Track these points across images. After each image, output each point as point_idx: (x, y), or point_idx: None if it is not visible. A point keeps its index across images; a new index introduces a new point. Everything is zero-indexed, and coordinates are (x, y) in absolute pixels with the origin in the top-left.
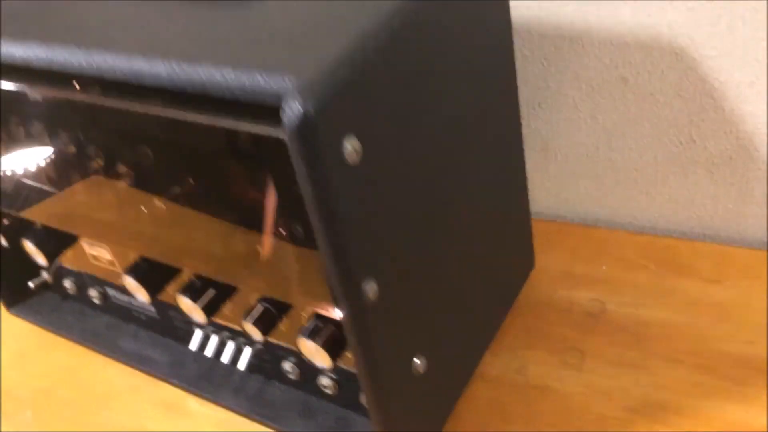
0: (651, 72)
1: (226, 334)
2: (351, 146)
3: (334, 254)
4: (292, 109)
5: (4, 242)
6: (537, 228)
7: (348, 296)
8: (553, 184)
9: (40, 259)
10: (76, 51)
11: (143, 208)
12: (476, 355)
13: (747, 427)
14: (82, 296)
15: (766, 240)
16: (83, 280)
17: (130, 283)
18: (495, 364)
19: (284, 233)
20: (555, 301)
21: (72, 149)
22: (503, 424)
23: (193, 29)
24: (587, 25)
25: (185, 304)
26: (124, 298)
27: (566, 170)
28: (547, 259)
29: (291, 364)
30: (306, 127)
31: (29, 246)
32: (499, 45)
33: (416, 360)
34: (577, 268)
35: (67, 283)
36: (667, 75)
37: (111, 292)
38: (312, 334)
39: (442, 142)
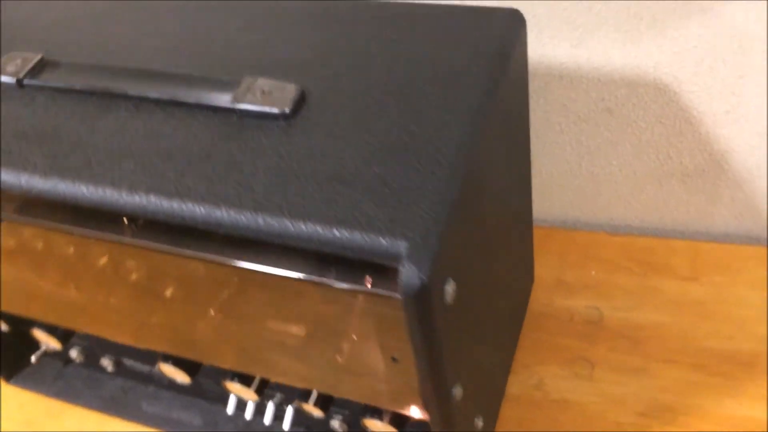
0: (635, 104)
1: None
2: (450, 288)
3: (432, 374)
4: (409, 276)
5: (4, 327)
6: None
7: (441, 403)
8: (537, 193)
9: (53, 344)
10: (144, 197)
11: (200, 322)
12: (505, 381)
13: (743, 419)
14: (89, 363)
15: (730, 233)
16: (92, 349)
17: (167, 369)
18: (514, 382)
19: (376, 355)
20: (555, 312)
21: (112, 268)
22: None
23: (252, 163)
24: (577, 66)
25: (236, 388)
26: (144, 366)
27: (550, 183)
28: (539, 268)
29: (339, 422)
30: (422, 289)
31: (39, 334)
32: (522, 107)
33: (477, 420)
34: (568, 275)
35: (74, 353)
36: (649, 106)
37: (128, 361)
38: (378, 415)
39: (499, 228)
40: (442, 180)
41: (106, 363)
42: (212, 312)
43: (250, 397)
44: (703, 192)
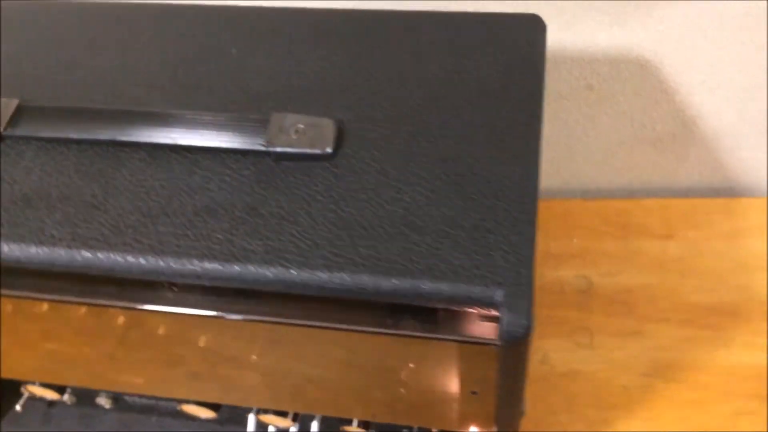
0: (615, 79)
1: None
2: (534, 323)
3: (513, 399)
4: (511, 324)
5: None
6: None
7: (515, 420)
8: None
9: (50, 395)
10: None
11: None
12: None
13: (735, 366)
14: (82, 403)
15: (693, 187)
16: (88, 391)
17: (191, 408)
18: None
19: (454, 391)
20: (546, 284)
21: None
22: (549, 415)
23: (307, 213)
24: (562, 47)
25: (270, 419)
26: (149, 400)
27: None
28: None
29: None
30: (524, 335)
31: (35, 389)
32: None
33: None
34: (552, 246)
35: (65, 396)
36: (629, 80)
37: (129, 397)
38: None
39: None
40: (516, 214)
41: (103, 401)
42: (265, 364)
43: (285, 425)
44: (673, 153)
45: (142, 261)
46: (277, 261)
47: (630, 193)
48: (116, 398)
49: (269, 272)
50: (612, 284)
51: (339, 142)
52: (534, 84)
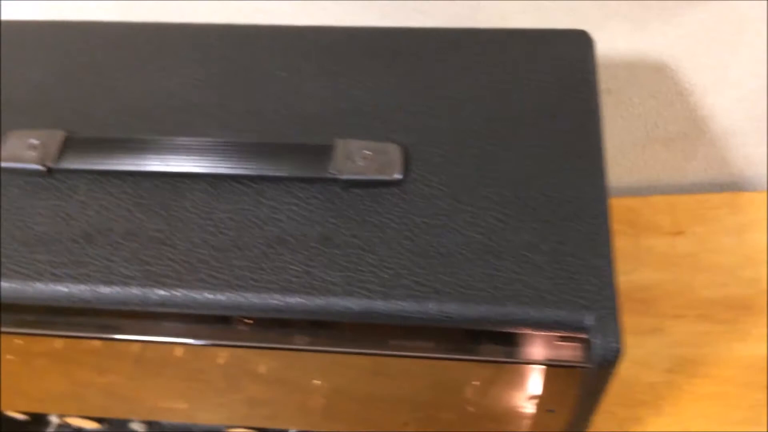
0: (633, 83)
1: None
2: None
3: (588, 415)
4: (604, 348)
5: (21, 416)
6: None
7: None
8: None
9: (89, 426)
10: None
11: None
12: None
13: (752, 358)
14: (113, 428)
15: (697, 182)
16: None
17: None
18: None
19: (530, 410)
20: None
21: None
22: None
23: (383, 242)
24: None
25: None
26: (184, 424)
27: None
28: None
29: None
30: (615, 357)
31: (73, 420)
32: None
33: None
34: None
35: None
36: (645, 84)
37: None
38: None
39: None
40: (592, 235)
41: (137, 426)
42: (333, 392)
43: None
44: (682, 151)
45: (221, 298)
46: (360, 292)
47: (637, 191)
48: (150, 422)
49: (353, 304)
50: (627, 282)
51: (406, 167)
52: (590, 100)
